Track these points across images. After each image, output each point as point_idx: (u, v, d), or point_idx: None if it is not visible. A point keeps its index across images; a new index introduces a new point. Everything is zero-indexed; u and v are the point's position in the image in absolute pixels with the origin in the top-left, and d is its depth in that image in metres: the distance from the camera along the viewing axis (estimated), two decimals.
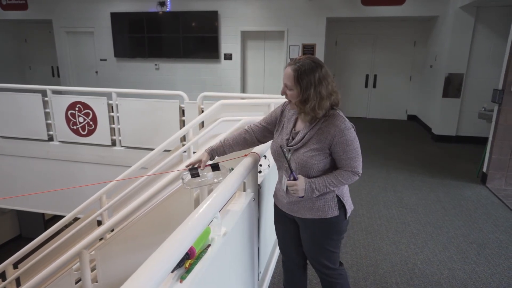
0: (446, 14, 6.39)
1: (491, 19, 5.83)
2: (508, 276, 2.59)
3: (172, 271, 1.14)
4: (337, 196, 1.60)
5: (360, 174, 1.56)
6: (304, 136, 1.55)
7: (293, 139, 1.60)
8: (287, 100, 1.61)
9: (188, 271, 1.18)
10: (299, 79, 1.47)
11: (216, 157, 1.86)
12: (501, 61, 4.31)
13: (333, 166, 1.58)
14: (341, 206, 1.62)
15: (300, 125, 1.61)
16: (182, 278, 1.14)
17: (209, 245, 1.35)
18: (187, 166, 1.78)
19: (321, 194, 1.57)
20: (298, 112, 1.59)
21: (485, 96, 5.79)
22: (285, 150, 1.58)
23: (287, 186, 1.57)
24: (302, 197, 1.53)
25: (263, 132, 1.79)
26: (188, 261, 1.19)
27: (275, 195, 1.82)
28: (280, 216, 1.81)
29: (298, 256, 1.86)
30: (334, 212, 1.60)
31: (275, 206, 1.83)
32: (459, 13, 5.88)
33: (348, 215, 1.66)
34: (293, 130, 1.63)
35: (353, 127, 1.54)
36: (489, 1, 5.44)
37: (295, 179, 1.50)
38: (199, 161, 1.76)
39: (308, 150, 1.53)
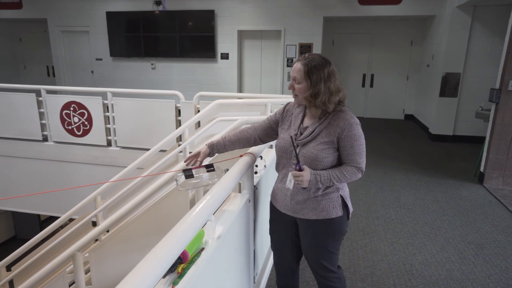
0: (443, 14, 6.39)
1: (488, 18, 5.82)
2: (506, 277, 2.57)
3: (164, 276, 1.11)
4: (341, 196, 1.62)
5: (363, 172, 1.58)
6: (313, 130, 1.56)
7: (301, 134, 1.60)
8: (291, 100, 1.61)
9: (181, 276, 1.14)
10: (309, 73, 1.51)
11: (216, 155, 1.84)
12: (498, 60, 4.30)
13: (339, 164, 1.59)
14: (344, 206, 1.64)
15: (308, 121, 1.62)
16: (174, 284, 1.11)
17: (202, 249, 1.31)
18: (185, 161, 1.77)
19: (325, 194, 1.58)
20: (308, 106, 1.59)
21: (482, 95, 5.80)
22: (295, 143, 1.58)
23: (293, 181, 1.56)
24: (305, 188, 1.55)
25: (266, 131, 1.78)
26: (181, 265, 1.16)
27: (273, 196, 1.79)
28: (278, 216, 1.78)
29: (292, 257, 1.85)
30: (339, 212, 1.61)
31: (273, 207, 1.80)
32: (456, 13, 5.88)
33: (350, 215, 1.68)
34: (301, 126, 1.63)
35: (359, 124, 1.56)
36: (486, 0, 5.43)
37: (300, 169, 1.50)
38: (198, 153, 1.76)
39: (318, 143, 1.54)
